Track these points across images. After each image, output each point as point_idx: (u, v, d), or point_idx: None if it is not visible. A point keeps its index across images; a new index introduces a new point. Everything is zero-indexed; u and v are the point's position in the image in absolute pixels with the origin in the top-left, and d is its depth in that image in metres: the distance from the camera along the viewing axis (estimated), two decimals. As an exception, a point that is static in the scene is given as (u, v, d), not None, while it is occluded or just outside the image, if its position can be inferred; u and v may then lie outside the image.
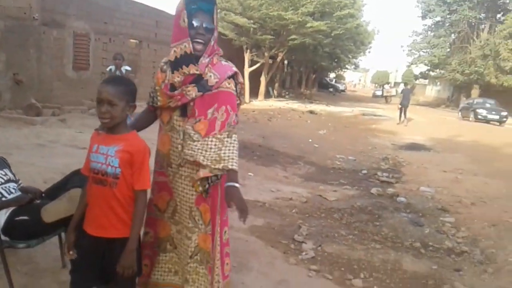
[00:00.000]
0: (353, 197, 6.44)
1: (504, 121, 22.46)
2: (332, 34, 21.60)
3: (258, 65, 23.65)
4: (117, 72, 7.45)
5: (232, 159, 2.14)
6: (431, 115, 26.05)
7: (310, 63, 34.08)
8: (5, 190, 2.75)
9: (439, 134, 15.70)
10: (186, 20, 2.18)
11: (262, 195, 5.94)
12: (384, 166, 9.23)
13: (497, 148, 13.03)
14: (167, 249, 2.50)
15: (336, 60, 35.00)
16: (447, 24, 37.78)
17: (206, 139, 2.18)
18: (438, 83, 51.53)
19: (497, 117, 22.48)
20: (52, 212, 2.49)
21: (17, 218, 2.56)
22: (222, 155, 2.14)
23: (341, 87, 55.14)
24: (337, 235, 4.82)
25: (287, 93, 32.59)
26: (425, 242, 4.87)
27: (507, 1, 34.57)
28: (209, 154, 2.15)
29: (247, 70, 23.19)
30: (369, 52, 40.29)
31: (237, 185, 2.13)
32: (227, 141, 2.18)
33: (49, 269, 2.98)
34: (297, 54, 26.69)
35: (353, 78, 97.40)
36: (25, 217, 2.56)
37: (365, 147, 11.83)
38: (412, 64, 40.34)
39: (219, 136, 2.19)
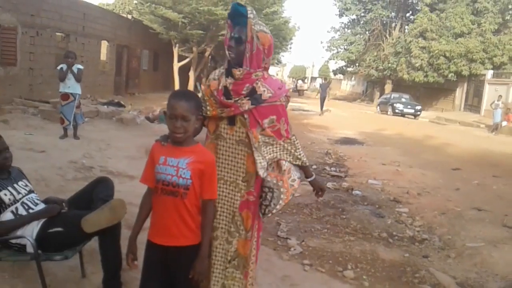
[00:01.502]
0: (312, 192, 6.76)
1: (419, 115, 24.48)
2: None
3: (187, 60, 23.44)
4: (69, 71, 7.12)
5: (304, 157, 2.61)
6: (351, 109, 27.58)
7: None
8: (30, 201, 2.69)
9: (366, 128, 16.75)
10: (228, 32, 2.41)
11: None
12: (329, 161, 9.74)
13: (420, 140, 14.25)
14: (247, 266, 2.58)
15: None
16: (362, 22, 39.99)
17: (282, 142, 2.49)
18: (353, 78, 54.53)
19: (412, 110, 24.42)
20: (93, 222, 2.49)
21: (50, 230, 2.52)
22: (297, 154, 2.55)
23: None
24: (314, 230, 5.13)
25: (213, 88, 32.55)
26: (390, 232, 5.33)
27: (415, 1, 37.43)
28: (289, 154, 2.52)
29: (177, 65, 22.91)
30: (290, 48, 41.42)
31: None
32: (297, 144, 2.57)
33: (70, 280, 2.92)
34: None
35: (270, 73, 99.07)
36: (59, 229, 2.53)
37: (305, 142, 12.28)
38: (330, 59, 42.15)
39: (289, 140, 2.53)
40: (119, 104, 11.02)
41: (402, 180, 8.02)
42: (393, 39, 36.89)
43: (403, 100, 25.87)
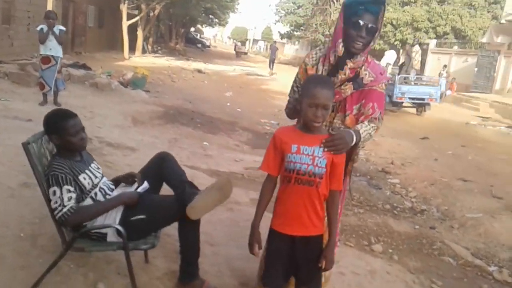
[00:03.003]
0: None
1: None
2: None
3: (137, 18, 22.37)
4: (50, 33, 6.54)
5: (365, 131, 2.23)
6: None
7: (180, 18, 33.26)
8: (105, 186, 2.52)
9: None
10: (349, 19, 2.23)
11: (232, 166, 6.02)
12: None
13: (379, 108, 14.70)
14: None
15: (211, 15, 34.71)
16: (310, -15, 39.94)
17: (366, 123, 2.29)
18: (296, 42, 54.79)
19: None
20: (201, 208, 2.39)
21: (133, 218, 2.38)
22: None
23: (207, 42, 55.39)
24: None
25: (159, 48, 31.52)
26: (391, 203, 5.56)
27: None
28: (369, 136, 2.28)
29: (126, 23, 21.79)
30: (237, 8, 40.70)
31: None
32: (365, 124, 2.26)
33: (134, 266, 2.80)
34: (177, 8, 25.80)
35: (209, 34, 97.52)
36: (142, 216, 2.40)
37: (272, 109, 12.33)
38: (278, 22, 41.98)
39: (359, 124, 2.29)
40: (84, 67, 10.36)
41: (381, 150, 8.32)
42: (340, 4, 37.21)
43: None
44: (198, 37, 54.81)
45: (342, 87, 2.31)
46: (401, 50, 27.14)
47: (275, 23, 42.93)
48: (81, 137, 2.40)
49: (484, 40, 22.90)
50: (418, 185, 6.37)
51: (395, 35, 29.14)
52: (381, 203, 5.51)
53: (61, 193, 2.21)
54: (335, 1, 38.11)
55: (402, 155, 8.02)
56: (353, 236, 4.36)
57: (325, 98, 1.90)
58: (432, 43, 27.57)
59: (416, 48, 17.45)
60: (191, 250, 2.56)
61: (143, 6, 23.02)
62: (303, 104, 1.95)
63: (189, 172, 5.12)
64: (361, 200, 5.52)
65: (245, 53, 51.03)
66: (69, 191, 2.24)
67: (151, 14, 24.87)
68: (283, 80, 21.94)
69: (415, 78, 15.24)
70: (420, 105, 14.31)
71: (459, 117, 14.49)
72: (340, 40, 2.26)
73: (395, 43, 29.45)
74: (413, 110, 14.69)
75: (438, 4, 28.53)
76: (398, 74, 14.74)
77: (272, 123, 9.83)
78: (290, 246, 2.03)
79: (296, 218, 2.01)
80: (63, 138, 2.34)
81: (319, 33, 38.48)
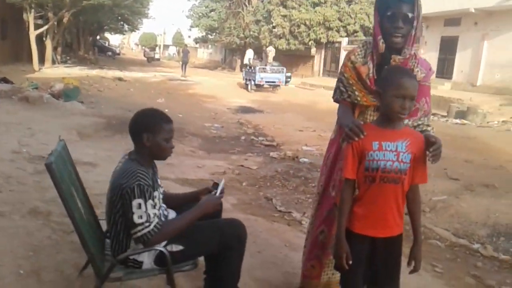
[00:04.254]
0: (266, 163, 6.80)
1: (289, 81, 25.74)
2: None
3: (46, 27, 20.87)
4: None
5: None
6: (221, 77, 27.83)
7: (87, 25, 31.70)
8: (163, 209, 2.26)
9: (252, 96, 17.14)
10: (383, 14, 2.16)
11: (198, 173, 5.77)
12: (249, 131, 9.79)
13: (310, 105, 15.12)
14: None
15: (122, 22, 33.43)
16: (221, -11, 40.08)
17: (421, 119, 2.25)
18: (210, 46, 54.75)
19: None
20: None
21: (170, 249, 2.11)
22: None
23: (116, 50, 53.55)
24: (300, 201, 5.18)
25: (68, 58, 29.73)
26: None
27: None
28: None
29: (33, 33, 20.27)
30: (148, 13, 39.62)
31: None
32: (430, 128, 2.24)
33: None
34: (87, 15, 24.47)
35: (115, 41, 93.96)
36: (180, 247, 2.14)
37: (209, 113, 12.14)
38: (192, 27, 41.57)
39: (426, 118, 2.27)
40: (5, 80, 9.37)
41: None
42: (252, 7, 37.82)
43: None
44: (106, 44, 52.83)
45: None
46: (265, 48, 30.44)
47: (189, 29, 42.40)
48: (172, 145, 2.17)
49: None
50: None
51: (309, 35, 30.16)
52: (352, 195, 5.57)
53: (146, 208, 1.92)
54: (247, 4, 38.66)
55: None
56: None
57: (413, 88, 1.82)
58: (344, 41, 28.92)
59: (270, 48, 26.98)
60: (233, 275, 2.33)
61: (50, 15, 21.54)
62: (387, 95, 1.83)
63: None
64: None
65: (158, 59, 50.12)
66: (153, 206, 1.95)
67: (64, 21, 23.36)
68: (206, 84, 21.88)
69: (269, 68, 21.91)
70: (273, 85, 21.34)
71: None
72: (380, 37, 2.17)
73: (310, 42, 30.50)
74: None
75: (347, 4, 29.98)
76: (257, 66, 21.47)
77: (216, 127, 9.64)
78: (371, 249, 1.93)
79: (381, 219, 1.90)
80: (155, 141, 2.07)
81: (233, 36, 38.78)
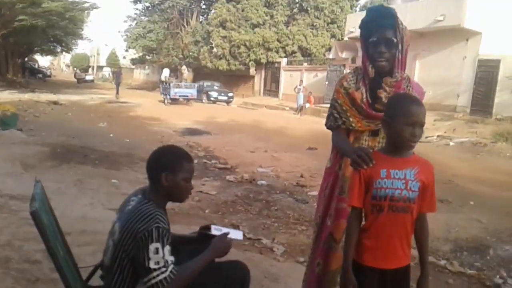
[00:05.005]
0: (225, 188, 6.64)
1: (231, 101, 25.85)
2: (67, 16, 19.86)
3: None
4: None
5: None
6: (162, 99, 27.30)
7: (16, 47, 30.07)
8: None
9: (196, 117, 16.91)
10: (366, 40, 2.20)
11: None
12: (200, 154, 9.59)
13: (256, 125, 15.16)
14: (337, 283, 2.39)
15: (55, 43, 32.07)
16: (158, 10, 39.69)
17: None
18: (147, 66, 53.86)
19: (225, 98, 25.66)
20: None
21: None
22: None
23: (47, 72, 51.31)
24: (266, 225, 5.06)
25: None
26: (323, 215, 5.64)
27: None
28: None
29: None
30: (82, 35, 38.41)
31: None
32: None
33: None
34: (19, 36, 23.22)
35: (44, 62, 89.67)
36: None
37: (155, 136, 11.79)
38: (130, 48, 40.72)
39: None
40: None
41: (284, 165, 8.48)
42: (191, 28, 37.80)
43: (215, 87, 26.96)
44: (36, 66, 50.47)
45: None
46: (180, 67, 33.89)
47: (126, 50, 41.48)
48: (191, 186, 1.98)
49: (330, 56, 25.29)
50: (336, 194, 6.58)
51: (249, 55, 30.51)
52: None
53: (164, 254, 1.73)
54: (185, 25, 38.59)
55: (304, 167, 8.27)
56: (314, 255, 4.27)
57: (423, 115, 1.80)
58: (284, 61, 29.55)
59: (184, 67, 32.10)
60: None
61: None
62: (396, 124, 1.79)
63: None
64: (296, 217, 5.49)
65: (92, 81, 48.70)
66: (170, 252, 1.75)
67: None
68: (147, 106, 21.40)
69: (183, 84, 25.81)
70: (186, 99, 24.17)
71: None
72: (368, 63, 2.21)
73: (250, 63, 30.85)
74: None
75: (285, 26, 30.73)
76: (172, 83, 25.04)
77: (166, 151, 9.33)
78: (381, 281, 1.86)
79: (390, 250, 1.84)
80: (175, 181, 1.88)
81: (172, 56, 38.49)
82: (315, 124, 16.23)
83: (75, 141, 8.41)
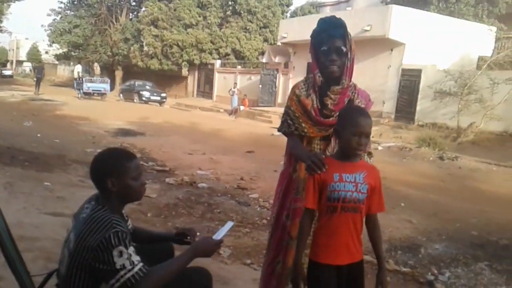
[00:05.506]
0: (165, 191, 6.52)
1: (164, 102, 25.34)
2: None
3: None
4: None
5: None
6: (95, 98, 26.23)
7: None
8: None
9: (129, 118, 16.43)
10: (318, 49, 2.33)
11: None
12: (137, 155, 9.28)
13: (191, 127, 15.06)
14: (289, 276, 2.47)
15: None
16: (85, 5, 37.99)
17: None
18: (72, 63, 51.37)
19: (158, 98, 25.12)
20: None
21: None
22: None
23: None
24: (211, 229, 5.04)
25: None
26: (265, 217, 5.73)
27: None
28: None
29: None
30: (1, 27, 35.89)
31: None
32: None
33: None
34: None
35: None
36: None
37: (86, 137, 11.32)
38: (54, 43, 38.52)
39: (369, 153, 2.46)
40: None
41: (223, 167, 8.49)
42: (120, 25, 36.61)
43: (147, 87, 26.31)
44: None
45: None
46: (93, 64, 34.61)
47: (50, 45, 39.24)
48: (143, 181, 1.91)
49: (264, 60, 25.63)
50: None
51: (181, 56, 30.13)
52: (258, 219, 5.62)
53: (129, 255, 1.69)
54: (114, 22, 37.29)
55: (244, 170, 8.35)
56: (260, 256, 4.33)
57: (368, 126, 1.98)
58: (217, 63, 29.52)
59: (96, 64, 33.35)
60: None
61: None
62: (344, 133, 1.97)
63: (57, 220, 4.33)
64: (239, 219, 5.53)
65: (11, 76, 45.74)
66: (135, 252, 1.71)
67: None
68: (75, 104, 20.45)
69: (95, 79, 26.51)
70: (100, 94, 25.13)
71: (261, 130, 15.85)
72: (317, 71, 2.34)
73: (183, 63, 30.47)
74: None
75: (218, 28, 30.70)
76: (84, 77, 26.58)
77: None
78: (337, 276, 2.01)
79: (343, 247, 2.01)
80: (122, 183, 1.81)
81: (100, 53, 37.06)
82: (250, 127, 16.47)
83: (0, 142, 7.85)
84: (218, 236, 2.02)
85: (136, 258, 1.73)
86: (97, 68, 32.13)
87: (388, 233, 5.41)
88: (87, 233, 1.72)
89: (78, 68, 29.95)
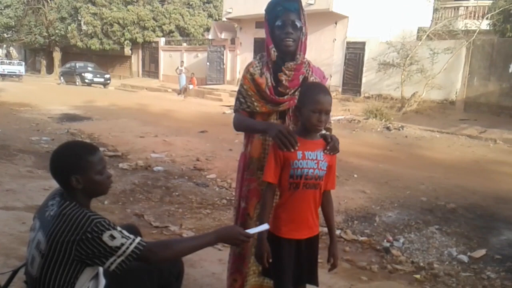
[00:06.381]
0: (120, 176, 6.37)
1: (108, 83, 24.48)
2: None
3: None
4: None
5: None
6: (28, 82, 24.99)
7: None
8: None
9: (73, 102, 15.81)
10: (272, 24, 2.30)
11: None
12: (86, 141, 9.02)
13: (141, 109, 14.68)
14: (252, 253, 2.50)
15: None
16: (16, -17, 35.67)
17: None
18: (4, 45, 48.41)
19: (102, 79, 24.25)
20: None
21: None
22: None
23: None
24: (171, 212, 5.03)
25: None
26: (225, 197, 5.76)
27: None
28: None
29: None
30: None
31: None
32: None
33: None
34: None
35: None
36: None
37: (29, 124, 10.77)
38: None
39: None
40: None
41: (178, 149, 8.39)
42: (55, 4, 34.70)
43: (89, 69, 25.28)
44: None
45: (295, 93, 2.32)
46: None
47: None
48: (109, 174, 1.84)
49: (209, 36, 25.24)
50: (234, 175, 6.73)
51: (123, 34, 29.10)
52: (217, 199, 5.64)
53: (122, 233, 1.67)
54: (49, 0, 35.28)
55: (199, 151, 8.29)
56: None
57: (328, 103, 2.01)
58: (162, 41, 28.76)
59: (12, 48, 38.12)
60: None
61: None
62: (305, 110, 2.00)
63: (9, 214, 4.16)
64: (199, 201, 5.53)
65: None
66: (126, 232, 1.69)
67: None
68: (12, 90, 19.44)
69: (9, 62, 29.85)
70: (16, 75, 27.76)
71: (212, 108, 15.75)
72: (272, 46, 2.31)
73: (125, 42, 29.47)
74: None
75: (160, 4, 29.81)
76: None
77: (46, 140, 8.61)
78: (297, 250, 2.09)
79: (303, 222, 2.08)
80: (88, 179, 1.74)
81: (35, 34, 35.09)
82: (201, 106, 16.32)
83: None
84: (250, 231, 2.02)
85: (130, 235, 1.71)
86: (13, 51, 36.72)
87: (344, 204, 5.60)
88: (62, 230, 1.65)
89: None
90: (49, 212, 1.77)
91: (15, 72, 27.95)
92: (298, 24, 2.26)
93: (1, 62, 28.97)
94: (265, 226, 2.01)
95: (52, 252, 1.68)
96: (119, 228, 1.71)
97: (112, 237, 1.66)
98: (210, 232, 1.95)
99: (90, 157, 1.79)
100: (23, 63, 30.04)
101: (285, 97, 2.31)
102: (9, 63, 29.81)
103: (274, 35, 2.29)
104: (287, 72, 2.29)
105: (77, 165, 1.76)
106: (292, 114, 2.37)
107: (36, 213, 1.90)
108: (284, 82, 2.29)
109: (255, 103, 2.33)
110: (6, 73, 27.46)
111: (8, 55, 38.12)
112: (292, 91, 2.32)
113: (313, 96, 2.00)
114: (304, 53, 2.34)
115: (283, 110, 2.35)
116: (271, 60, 2.32)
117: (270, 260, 2.04)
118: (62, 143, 1.97)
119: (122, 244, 1.67)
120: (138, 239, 1.72)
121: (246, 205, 2.42)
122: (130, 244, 1.69)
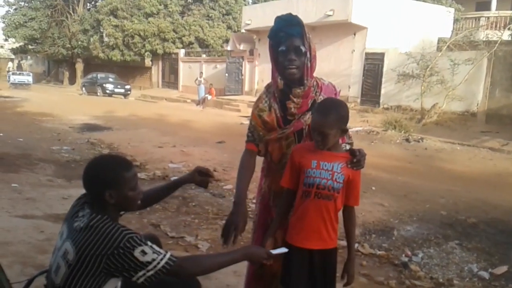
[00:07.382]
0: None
1: (129, 94, 24.86)
2: None
3: None
4: None
5: None
6: (51, 92, 25.53)
7: None
8: None
9: (94, 112, 16.07)
10: (276, 50, 2.22)
11: (66, 206, 5.09)
12: (105, 151, 9.16)
13: (160, 119, 14.85)
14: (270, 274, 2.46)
15: None
16: (40, -4, 36.67)
17: None
18: (29, 57, 49.67)
19: (122, 90, 24.63)
20: None
21: None
22: None
23: None
24: (187, 223, 5.03)
25: None
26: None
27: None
28: None
29: None
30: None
31: None
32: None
33: None
34: None
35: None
36: None
37: (51, 134, 11.00)
38: (10, 37, 37.04)
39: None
40: None
41: (195, 159, 8.42)
42: (78, 16, 35.52)
43: (111, 80, 25.73)
44: None
45: (306, 118, 2.24)
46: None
47: (6, 39, 38.19)
48: (140, 190, 1.84)
49: (228, 48, 25.46)
50: (251, 186, 6.72)
51: (144, 46, 29.56)
52: (234, 210, 5.63)
53: (152, 249, 1.68)
54: (72, 13, 36.15)
55: (216, 161, 8.32)
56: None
57: (319, 125, 1.97)
58: (181, 52, 29.12)
59: (24, 61, 42.66)
60: None
61: None
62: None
63: (28, 223, 4.23)
64: (215, 212, 5.52)
65: None
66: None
67: None
68: (36, 100, 19.87)
69: (20, 73, 34.26)
70: (25, 84, 30.64)
71: (230, 119, 15.82)
72: (277, 75, 2.25)
73: (146, 53, 29.92)
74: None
75: (180, 16, 30.23)
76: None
77: (66, 149, 8.76)
78: (309, 261, 2.06)
79: (315, 231, 2.05)
80: (121, 194, 1.74)
81: (58, 46, 35.93)
82: (219, 117, 16.42)
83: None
84: (275, 251, 2.03)
85: (161, 250, 1.72)
86: (24, 63, 42.18)
87: (361, 217, 5.52)
88: (93, 243, 1.66)
89: (10, 64, 37.56)
90: (79, 223, 1.75)
91: (24, 81, 31.29)
92: (303, 49, 2.17)
93: (13, 73, 33.31)
94: (283, 249, 2.02)
95: (80, 264, 1.68)
96: (149, 244, 1.71)
97: (144, 252, 1.66)
98: (238, 249, 1.97)
99: (126, 173, 1.79)
100: (31, 74, 33.65)
101: (293, 122, 2.23)
102: (19, 74, 33.41)
103: (277, 61, 2.22)
104: (295, 100, 2.22)
105: (112, 180, 1.75)
106: (307, 131, 2.34)
107: (65, 220, 1.88)
108: (293, 110, 2.23)
109: (261, 134, 2.30)
110: (17, 82, 30.86)
111: (19, 67, 43.93)
112: (300, 115, 2.25)
113: (313, 116, 2.06)
114: (312, 77, 2.26)
115: (297, 131, 2.30)
116: (277, 89, 2.26)
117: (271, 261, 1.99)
118: (97, 156, 1.98)
119: (154, 260, 1.67)
120: (168, 254, 1.72)
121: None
122: (161, 259, 1.69)
